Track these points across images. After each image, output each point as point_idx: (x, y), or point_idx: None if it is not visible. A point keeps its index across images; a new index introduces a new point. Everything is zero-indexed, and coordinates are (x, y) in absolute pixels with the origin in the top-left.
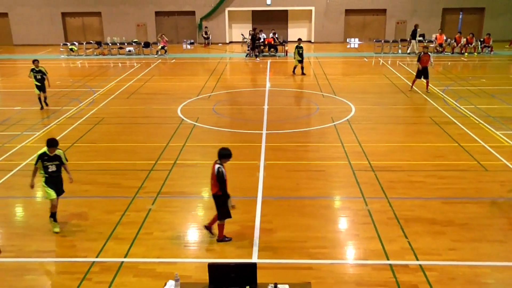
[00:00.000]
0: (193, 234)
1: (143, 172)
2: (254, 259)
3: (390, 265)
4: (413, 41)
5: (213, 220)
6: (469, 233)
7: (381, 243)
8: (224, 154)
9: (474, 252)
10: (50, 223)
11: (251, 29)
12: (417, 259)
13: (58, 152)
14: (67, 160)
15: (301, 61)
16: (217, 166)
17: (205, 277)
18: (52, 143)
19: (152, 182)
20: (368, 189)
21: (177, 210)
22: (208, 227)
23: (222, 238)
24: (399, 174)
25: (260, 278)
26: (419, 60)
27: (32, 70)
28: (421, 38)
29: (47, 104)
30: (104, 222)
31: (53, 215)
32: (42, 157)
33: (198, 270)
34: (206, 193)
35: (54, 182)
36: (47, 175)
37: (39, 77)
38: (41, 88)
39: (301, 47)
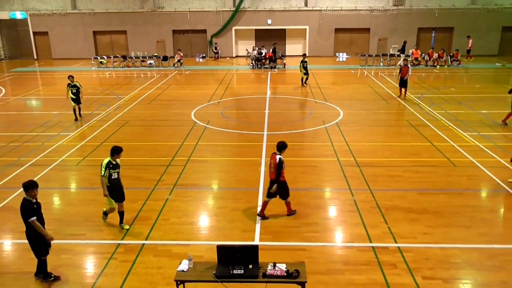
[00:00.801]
0: (204, 220)
1: (161, 167)
2: (256, 241)
3: (373, 247)
4: (402, 55)
5: (287, 206)
6: (440, 220)
7: (365, 228)
8: (283, 146)
9: (445, 236)
10: (102, 220)
11: (254, 44)
12: (396, 242)
13: (118, 160)
14: None
15: (306, 73)
16: (278, 156)
17: (214, 257)
18: (118, 150)
19: (170, 176)
20: (354, 182)
21: (191, 200)
22: (290, 213)
23: (291, 212)
24: (381, 169)
25: (261, 258)
26: (400, 71)
27: (68, 85)
28: (399, 53)
29: (80, 116)
30: (128, 210)
31: (105, 214)
32: (108, 166)
33: (209, 251)
34: (216, 185)
35: (115, 189)
36: (109, 184)
37: (74, 91)
38: (76, 100)
39: (306, 61)
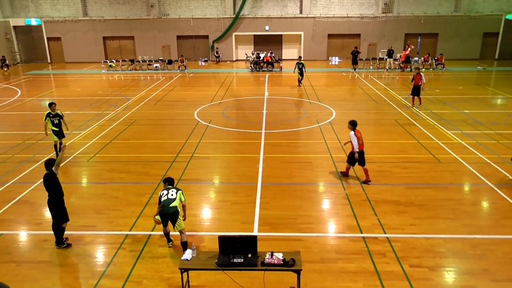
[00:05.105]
0: (207, 212)
1: (167, 163)
2: (255, 232)
3: (363, 237)
4: (389, 59)
5: (365, 173)
6: (426, 212)
7: (356, 220)
8: (355, 123)
9: (430, 227)
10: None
11: (253, 49)
12: (385, 233)
13: (179, 194)
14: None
15: (301, 74)
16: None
17: (216, 246)
18: (169, 181)
19: (174, 171)
20: (345, 177)
21: (194, 194)
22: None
23: (367, 180)
24: (371, 165)
25: (260, 248)
26: (413, 80)
27: (48, 114)
28: (386, 57)
29: (60, 150)
30: (135, 203)
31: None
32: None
33: (211, 241)
34: (217, 180)
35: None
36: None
37: (56, 121)
38: (59, 134)
39: (302, 63)
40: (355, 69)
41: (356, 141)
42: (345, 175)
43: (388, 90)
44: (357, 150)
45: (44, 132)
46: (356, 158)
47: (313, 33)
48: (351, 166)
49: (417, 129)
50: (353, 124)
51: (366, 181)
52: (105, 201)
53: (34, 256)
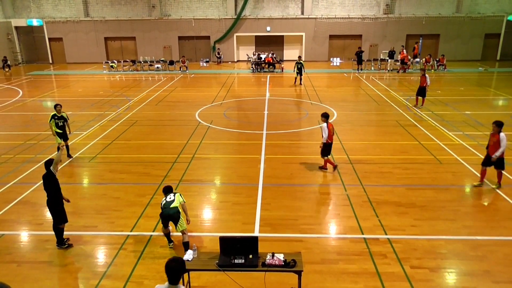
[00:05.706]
0: (208, 213)
1: (168, 164)
2: (256, 233)
3: (364, 238)
4: (390, 60)
5: (325, 162)
6: (427, 213)
7: (357, 221)
8: (327, 115)
9: (431, 228)
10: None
11: (254, 50)
12: (386, 234)
13: (176, 196)
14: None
15: (299, 74)
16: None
17: (217, 247)
18: (167, 189)
19: (175, 172)
20: (347, 178)
21: (195, 194)
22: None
23: (323, 167)
24: (372, 166)
25: (261, 248)
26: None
27: (54, 116)
28: (387, 58)
29: (71, 156)
30: (136, 204)
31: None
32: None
33: (212, 242)
34: (218, 181)
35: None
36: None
37: (61, 124)
38: (63, 135)
39: (301, 63)
40: (358, 70)
41: (327, 133)
42: (334, 168)
43: (389, 91)
44: (325, 141)
45: (51, 133)
46: (320, 147)
47: (315, 34)
48: (327, 157)
49: (418, 130)
50: (326, 117)
51: (322, 168)
52: (106, 201)
53: (35, 256)
